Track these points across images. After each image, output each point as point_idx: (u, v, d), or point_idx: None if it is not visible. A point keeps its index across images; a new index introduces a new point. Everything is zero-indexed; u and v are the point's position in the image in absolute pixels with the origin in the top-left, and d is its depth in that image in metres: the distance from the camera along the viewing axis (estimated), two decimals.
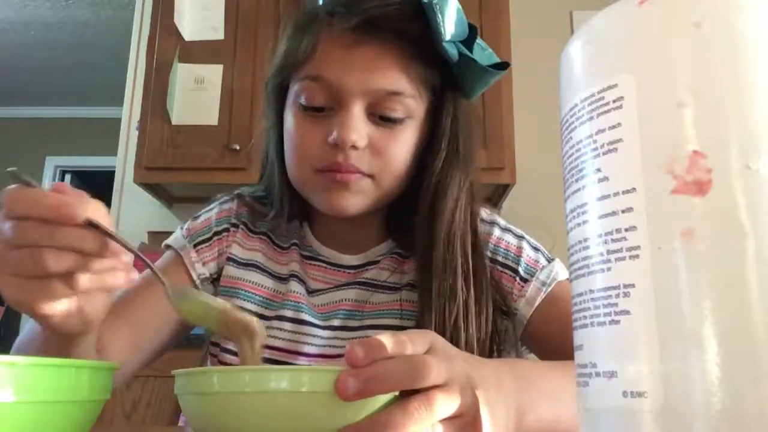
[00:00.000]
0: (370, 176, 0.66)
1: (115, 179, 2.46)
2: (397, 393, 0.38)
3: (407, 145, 0.68)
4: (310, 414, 0.35)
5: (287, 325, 0.71)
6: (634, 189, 0.24)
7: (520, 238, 0.73)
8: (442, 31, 0.64)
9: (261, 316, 0.70)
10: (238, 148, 2.00)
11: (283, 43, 0.72)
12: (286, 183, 0.72)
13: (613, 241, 0.25)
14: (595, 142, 0.26)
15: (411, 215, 0.70)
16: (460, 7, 0.67)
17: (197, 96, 2.08)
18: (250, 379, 0.36)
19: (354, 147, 0.64)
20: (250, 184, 0.82)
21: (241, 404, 0.35)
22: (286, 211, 0.74)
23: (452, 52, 0.66)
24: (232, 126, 2.05)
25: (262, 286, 0.74)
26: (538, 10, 2.44)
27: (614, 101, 0.26)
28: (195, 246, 0.75)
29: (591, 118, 0.27)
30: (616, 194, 0.25)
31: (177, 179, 2.09)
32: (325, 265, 0.75)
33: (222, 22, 2.13)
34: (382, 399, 0.37)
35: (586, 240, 0.26)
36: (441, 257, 0.66)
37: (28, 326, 0.59)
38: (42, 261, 0.42)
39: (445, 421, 0.38)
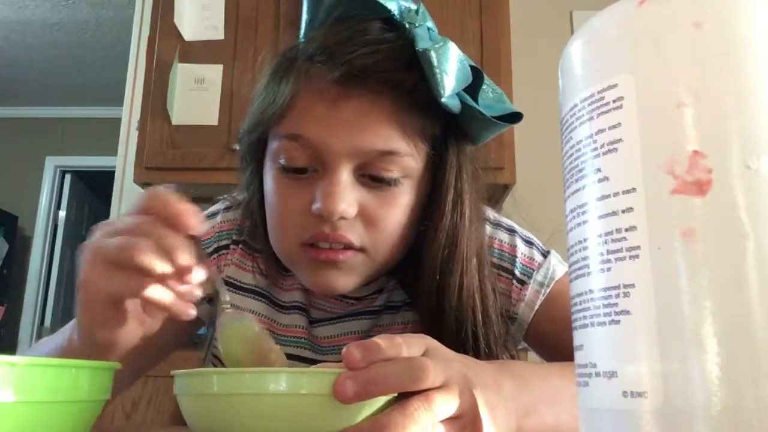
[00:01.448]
0: (362, 249, 0.58)
1: (115, 179, 2.46)
2: (395, 394, 0.38)
3: (404, 210, 0.59)
4: (308, 416, 0.35)
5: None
6: (634, 189, 0.24)
7: (512, 232, 0.69)
8: (441, 90, 0.55)
9: None
10: (238, 148, 2.00)
11: (259, 93, 0.64)
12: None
13: (613, 241, 0.25)
14: (595, 142, 0.26)
15: (415, 261, 0.62)
16: (461, 53, 0.58)
17: (197, 96, 2.08)
18: (249, 380, 0.36)
19: (342, 218, 0.56)
20: None
21: (239, 406, 0.35)
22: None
23: (453, 103, 0.57)
24: (232, 126, 2.05)
25: (261, 315, 0.69)
26: (538, 10, 2.44)
27: (614, 101, 0.26)
28: None
29: (591, 118, 0.27)
30: (616, 194, 0.25)
31: (177, 179, 2.09)
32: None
33: (222, 22, 2.13)
34: (381, 401, 0.37)
35: (585, 240, 0.26)
36: (450, 329, 0.60)
37: (48, 343, 0.56)
38: (138, 253, 0.41)
39: (445, 422, 0.38)
